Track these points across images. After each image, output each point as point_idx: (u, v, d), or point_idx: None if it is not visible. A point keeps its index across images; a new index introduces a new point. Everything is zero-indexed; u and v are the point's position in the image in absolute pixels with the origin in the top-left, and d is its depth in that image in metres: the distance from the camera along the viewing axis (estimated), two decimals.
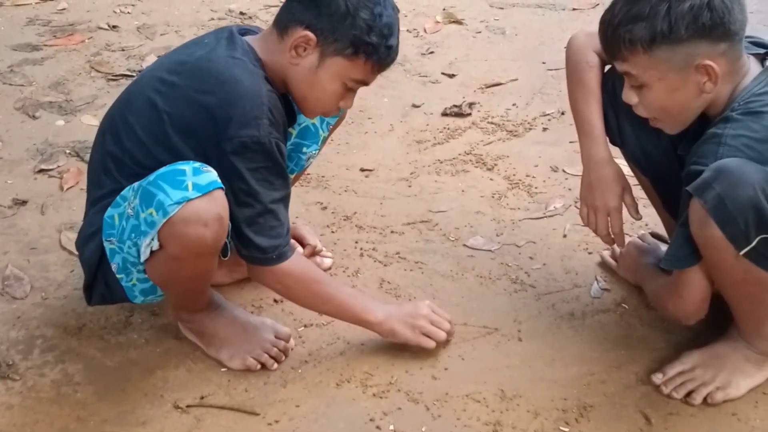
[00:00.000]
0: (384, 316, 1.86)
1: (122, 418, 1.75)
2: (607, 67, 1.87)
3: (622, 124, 1.89)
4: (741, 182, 1.53)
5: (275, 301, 2.05)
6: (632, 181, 1.96)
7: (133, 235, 1.68)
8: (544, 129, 2.84)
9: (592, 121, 1.87)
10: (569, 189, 2.48)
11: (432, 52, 3.41)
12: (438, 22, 3.68)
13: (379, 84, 3.09)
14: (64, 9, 3.77)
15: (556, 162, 2.63)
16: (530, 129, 2.84)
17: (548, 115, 2.92)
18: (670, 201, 1.89)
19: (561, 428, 1.72)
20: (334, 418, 1.75)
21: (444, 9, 3.78)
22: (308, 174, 2.51)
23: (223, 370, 1.86)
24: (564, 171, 2.58)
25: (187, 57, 1.77)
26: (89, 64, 3.26)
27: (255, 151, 1.68)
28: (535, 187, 2.51)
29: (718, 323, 1.84)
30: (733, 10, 1.59)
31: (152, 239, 1.65)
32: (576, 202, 2.31)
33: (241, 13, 3.73)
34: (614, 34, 1.65)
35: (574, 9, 3.79)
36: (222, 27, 1.84)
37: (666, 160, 1.87)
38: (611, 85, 1.85)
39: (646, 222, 2.23)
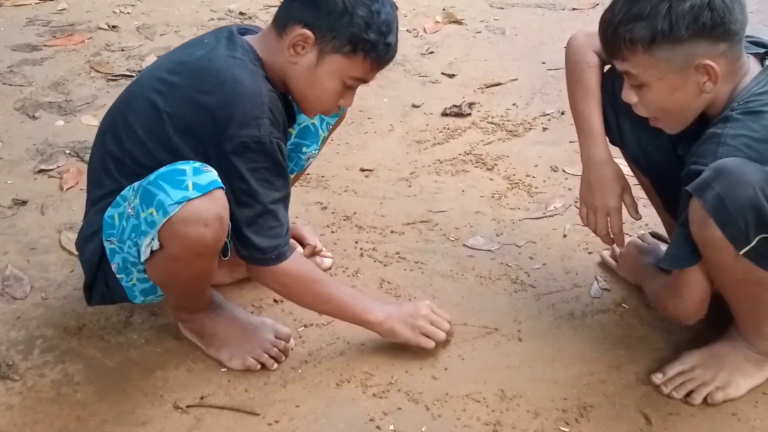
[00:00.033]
0: (384, 316, 1.86)
1: (122, 418, 1.75)
2: (607, 67, 1.87)
3: (621, 123, 1.89)
4: (741, 182, 1.53)
5: (275, 301, 2.05)
6: (632, 181, 1.96)
7: (133, 234, 1.68)
8: (544, 129, 2.84)
9: (591, 121, 1.87)
10: (569, 189, 2.48)
11: (432, 52, 3.41)
12: (438, 22, 3.68)
13: (379, 84, 3.10)
14: (63, 9, 3.77)
15: (556, 162, 2.63)
16: (530, 129, 2.84)
17: (548, 115, 2.92)
18: (670, 201, 1.89)
19: (561, 428, 1.72)
20: (334, 418, 1.75)
21: (444, 9, 3.78)
22: (308, 174, 2.51)
23: (223, 370, 1.86)
24: (564, 171, 2.58)
25: (187, 57, 1.77)
26: (89, 65, 3.26)
27: (255, 151, 1.68)
28: (535, 187, 2.51)
29: (718, 323, 1.84)
30: (734, 10, 1.59)
31: (152, 239, 1.65)
32: (576, 202, 2.31)
33: (241, 13, 3.73)
34: (614, 33, 1.65)
35: (573, 9, 3.79)
36: (221, 27, 1.84)
37: (666, 159, 1.87)
38: (611, 84, 1.85)
39: (646, 222, 2.23)
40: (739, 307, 1.75)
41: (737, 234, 1.55)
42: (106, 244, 1.76)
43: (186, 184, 1.62)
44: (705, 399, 1.76)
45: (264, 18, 3.58)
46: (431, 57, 3.37)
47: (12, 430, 1.72)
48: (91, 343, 1.94)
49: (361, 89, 1.83)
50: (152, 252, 1.67)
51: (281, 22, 1.74)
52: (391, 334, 1.87)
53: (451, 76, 3.21)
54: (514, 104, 3.00)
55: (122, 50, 3.39)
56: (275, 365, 1.86)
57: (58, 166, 2.60)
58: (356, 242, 2.28)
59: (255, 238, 1.74)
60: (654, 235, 2.16)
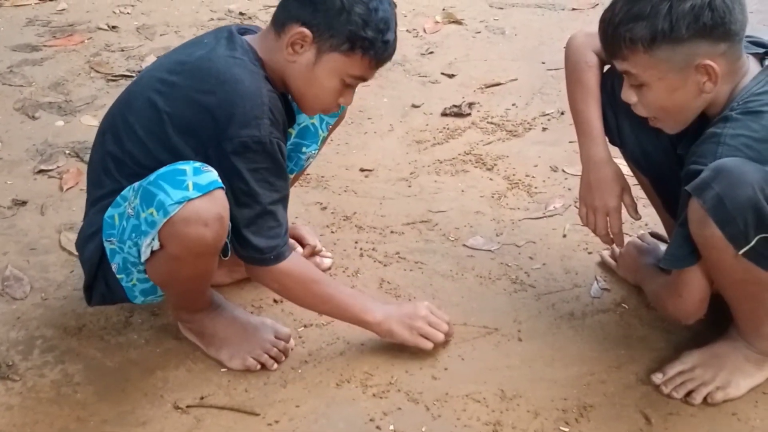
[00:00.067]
0: (382, 317, 1.86)
1: (122, 419, 1.75)
2: (607, 67, 1.87)
3: (621, 123, 1.89)
4: (740, 182, 1.53)
5: (275, 301, 2.05)
6: (632, 181, 1.96)
7: (133, 235, 1.68)
8: (544, 129, 2.84)
9: (591, 121, 1.87)
10: (569, 189, 2.48)
11: (432, 52, 3.41)
12: (438, 22, 3.68)
13: (378, 84, 3.11)
14: (63, 9, 3.77)
15: (555, 162, 2.63)
16: (530, 129, 2.84)
17: (548, 115, 2.92)
18: (670, 201, 1.89)
19: (561, 428, 1.72)
20: (334, 418, 1.75)
21: (444, 9, 3.79)
22: (308, 174, 2.51)
23: (223, 370, 1.86)
24: (564, 171, 2.58)
25: (187, 57, 1.77)
26: (89, 65, 3.26)
27: (256, 152, 1.68)
28: (535, 187, 2.51)
29: (718, 323, 1.84)
30: (734, 10, 1.59)
31: (153, 239, 1.65)
32: (575, 202, 2.31)
33: (241, 14, 3.74)
34: (615, 32, 1.65)
35: (573, 9, 3.79)
36: (221, 27, 1.84)
37: (665, 159, 1.87)
38: (610, 85, 1.85)
39: (645, 222, 2.23)
40: (739, 307, 1.75)
41: (737, 234, 1.55)
42: (106, 244, 1.76)
43: (186, 184, 1.62)
44: (705, 399, 1.76)
45: (264, 18, 3.58)
46: (431, 57, 3.37)
47: (12, 430, 1.72)
48: (91, 344, 1.94)
49: (360, 89, 1.83)
50: (152, 252, 1.67)
51: (280, 21, 1.74)
52: (389, 335, 1.87)
53: (451, 76, 3.21)
54: (513, 104, 3.00)
55: (122, 50, 3.39)
56: (275, 365, 1.86)
57: (58, 167, 2.60)
58: (356, 242, 2.28)
59: (254, 239, 1.74)
60: (654, 235, 2.17)
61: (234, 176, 1.68)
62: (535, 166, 2.62)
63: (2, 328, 1.97)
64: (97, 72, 3.21)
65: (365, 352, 1.91)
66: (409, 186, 2.54)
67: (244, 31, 1.82)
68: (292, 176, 2.08)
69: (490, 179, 2.56)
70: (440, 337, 1.88)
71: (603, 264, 2.18)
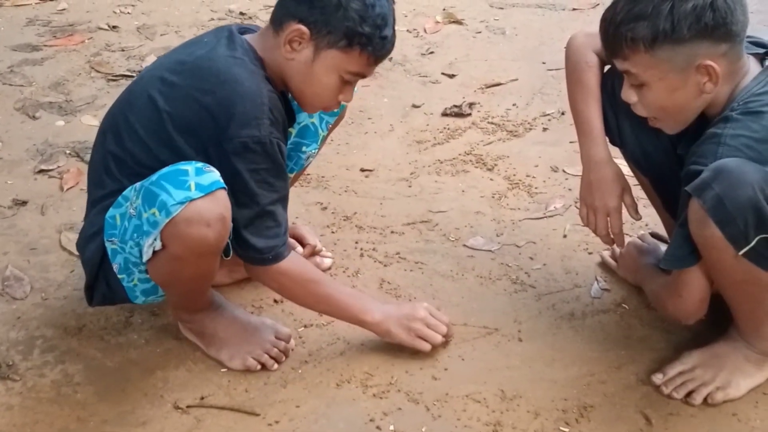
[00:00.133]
0: (381, 317, 1.86)
1: (122, 419, 1.75)
2: (607, 68, 1.87)
3: (621, 124, 1.89)
4: (740, 182, 1.53)
5: (275, 301, 2.05)
6: (632, 181, 1.96)
7: (135, 235, 1.68)
8: (544, 129, 2.84)
9: (591, 121, 1.87)
10: (569, 189, 2.48)
11: (432, 52, 3.41)
12: (438, 22, 3.68)
13: (379, 84, 3.11)
14: (63, 9, 3.77)
15: (556, 162, 2.63)
16: (530, 129, 2.84)
17: (548, 115, 2.92)
18: (670, 201, 1.89)
19: (561, 428, 1.72)
20: (334, 419, 1.75)
21: (444, 9, 3.79)
22: (308, 174, 2.51)
23: (223, 370, 1.86)
24: (564, 171, 2.58)
25: (187, 56, 1.77)
26: (89, 65, 3.27)
27: (256, 152, 1.68)
28: (535, 187, 2.51)
29: (718, 323, 1.84)
30: (736, 11, 1.59)
31: (155, 239, 1.65)
32: (576, 203, 2.31)
33: (241, 14, 3.74)
34: (616, 32, 1.65)
35: (574, 9, 3.79)
36: (221, 26, 1.84)
37: (665, 159, 1.87)
38: (611, 85, 1.85)
39: (646, 222, 2.23)
40: (739, 308, 1.75)
41: (737, 234, 1.55)
42: (107, 244, 1.76)
43: (188, 184, 1.62)
44: (705, 399, 1.76)
45: (264, 18, 3.57)
46: (431, 57, 3.37)
47: (12, 430, 1.72)
48: (91, 344, 1.94)
49: (361, 90, 1.83)
50: (154, 252, 1.67)
51: (277, 19, 1.74)
52: (387, 335, 1.88)
53: (452, 76, 3.21)
54: (514, 104, 3.00)
55: (122, 50, 3.39)
56: (275, 365, 1.86)
57: (58, 167, 2.60)
58: (356, 242, 2.28)
59: (253, 239, 1.74)
60: (654, 235, 2.17)
61: (233, 176, 1.68)
62: (536, 167, 2.62)
63: (2, 328, 1.97)
64: (98, 72, 3.21)
65: (365, 352, 1.91)
66: (410, 186, 2.54)
67: (244, 30, 1.82)
68: (292, 176, 2.08)
69: (491, 179, 2.56)
70: (438, 339, 1.88)
71: (603, 264, 2.18)
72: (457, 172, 2.60)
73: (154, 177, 1.66)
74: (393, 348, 1.89)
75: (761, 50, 1.73)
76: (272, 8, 1.77)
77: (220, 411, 1.76)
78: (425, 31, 3.60)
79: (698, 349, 1.83)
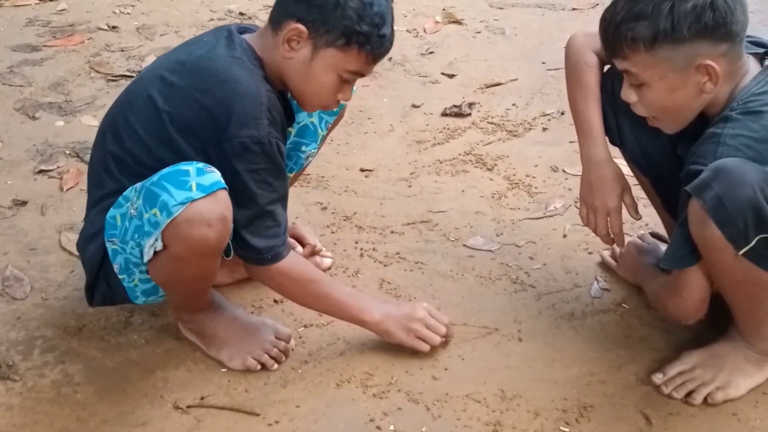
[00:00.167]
0: (380, 317, 1.87)
1: (122, 419, 1.75)
2: (606, 67, 1.87)
3: (621, 124, 1.89)
4: (740, 182, 1.53)
5: (275, 301, 2.05)
6: (632, 181, 1.96)
7: (136, 235, 1.68)
8: (544, 129, 2.84)
9: (591, 121, 1.87)
10: (569, 189, 2.48)
11: (432, 53, 3.41)
12: (438, 22, 3.68)
13: (378, 84, 3.11)
14: (63, 10, 3.77)
15: (556, 162, 2.63)
16: (530, 129, 2.84)
17: (548, 115, 2.92)
18: (670, 201, 1.89)
19: (561, 428, 1.72)
20: (334, 419, 1.75)
21: (444, 9, 3.79)
22: (308, 174, 2.51)
23: (223, 370, 1.86)
24: (564, 171, 2.58)
25: (186, 56, 1.77)
26: (89, 65, 3.27)
27: (255, 152, 1.68)
28: (535, 187, 2.51)
29: (718, 323, 1.84)
30: (736, 10, 1.59)
31: (156, 240, 1.65)
32: (576, 202, 2.31)
33: (241, 14, 3.74)
34: (616, 32, 1.65)
35: (573, 9, 3.79)
36: (221, 26, 1.84)
37: (665, 159, 1.87)
38: (610, 85, 1.85)
39: (646, 222, 2.23)
40: (739, 308, 1.75)
41: (736, 234, 1.55)
42: (108, 244, 1.76)
43: (189, 184, 1.62)
44: (705, 399, 1.76)
45: (263, 18, 3.57)
46: (431, 57, 3.37)
47: (12, 430, 1.72)
48: (91, 344, 1.94)
49: (360, 90, 1.83)
50: (155, 253, 1.67)
51: (276, 18, 1.74)
52: (386, 335, 1.88)
53: (451, 76, 3.21)
54: (514, 104, 3.00)
55: (122, 50, 3.39)
56: (275, 365, 1.86)
57: (58, 167, 2.60)
58: (356, 242, 2.28)
59: (252, 239, 1.74)
60: (654, 235, 2.17)
61: (233, 176, 1.68)
62: (536, 166, 2.62)
63: (2, 328, 1.97)
64: (97, 72, 3.21)
65: (365, 352, 1.91)
66: (410, 186, 2.54)
67: (244, 30, 1.83)
68: (291, 175, 2.08)
69: (491, 179, 2.56)
70: (437, 340, 1.88)
71: (603, 264, 2.18)
72: (457, 172, 2.60)
73: (155, 177, 1.66)
74: (393, 348, 1.89)
75: (761, 50, 1.73)
76: (271, 8, 1.78)
77: (220, 411, 1.76)
78: (425, 31, 3.60)
79: (698, 349, 1.83)
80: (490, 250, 2.25)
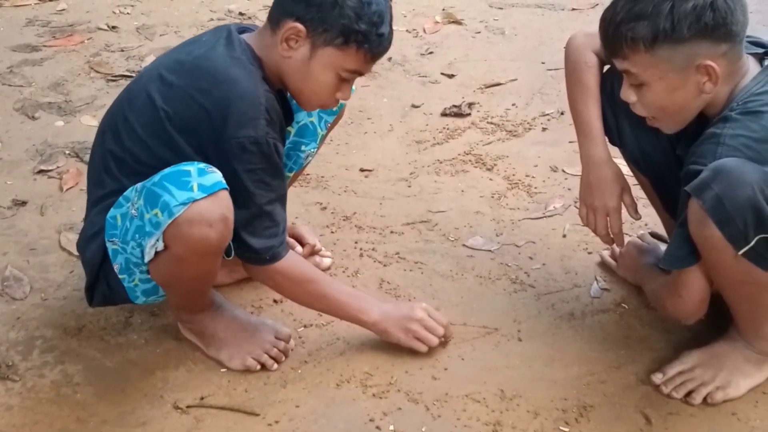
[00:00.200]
0: (378, 317, 1.87)
1: (122, 419, 1.75)
2: (606, 68, 1.87)
3: (620, 124, 1.89)
4: (739, 182, 1.53)
5: (275, 301, 2.05)
6: (632, 181, 1.96)
7: (137, 236, 1.68)
8: (544, 129, 2.84)
9: (590, 121, 1.87)
10: (569, 189, 2.48)
11: (431, 53, 3.41)
12: (437, 22, 3.68)
13: (378, 84, 3.11)
14: (63, 10, 3.77)
15: (555, 162, 2.63)
16: (530, 129, 2.84)
17: (548, 115, 2.92)
18: (669, 201, 1.89)
19: (561, 428, 1.72)
20: (334, 419, 1.75)
21: (443, 9, 3.79)
22: (308, 174, 2.51)
23: (222, 370, 1.86)
24: (563, 171, 2.58)
25: (185, 56, 1.77)
26: (89, 65, 3.27)
27: (252, 152, 1.68)
28: (535, 187, 2.51)
29: (718, 323, 1.85)
30: (736, 11, 1.59)
31: (157, 240, 1.65)
32: (575, 202, 2.31)
33: (241, 14, 3.74)
34: (616, 31, 1.65)
35: (573, 9, 3.79)
36: (220, 25, 1.84)
37: (665, 159, 1.87)
38: (610, 85, 1.85)
39: (645, 222, 2.23)
40: (739, 308, 1.75)
41: (736, 234, 1.55)
42: (108, 244, 1.76)
43: (191, 185, 1.62)
44: (705, 399, 1.76)
45: (263, 18, 3.53)
46: (431, 57, 3.37)
47: (12, 430, 1.72)
48: (91, 344, 1.94)
49: (360, 90, 1.83)
50: (156, 253, 1.68)
51: (275, 17, 1.74)
52: (384, 335, 1.88)
53: (451, 76, 3.21)
54: (513, 104, 3.00)
55: (122, 51, 3.39)
56: (275, 366, 1.86)
57: (58, 167, 2.60)
58: (356, 242, 2.28)
59: (250, 239, 1.74)
60: (654, 235, 2.17)
61: (231, 176, 1.68)
62: (535, 166, 2.62)
63: (2, 329, 1.97)
64: (97, 72, 3.21)
65: (365, 353, 1.91)
66: (409, 186, 2.54)
67: (243, 29, 1.83)
68: (291, 175, 2.08)
69: (490, 179, 2.56)
70: (434, 341, 1.88)
71: (603, 264, 2.18)
72: (457, 172, 2.60)
73: (156, 177, 1.66)
74: (393, 348, 1.89)
75: (761, 50, 1.73)
76: None
77: (220, 411, 1.76)
78: (425, 31, 3.60)
79: (698, 349, 1.83)
80: (489, 250, 2.25)
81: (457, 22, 3.68)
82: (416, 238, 2.31)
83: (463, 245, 2.27)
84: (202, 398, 1.79)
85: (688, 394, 1.77)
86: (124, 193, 1.72)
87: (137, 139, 1.74)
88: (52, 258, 2.21)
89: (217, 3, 3.85)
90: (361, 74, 1.78)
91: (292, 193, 2.12)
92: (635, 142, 1.90)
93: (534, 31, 3.59)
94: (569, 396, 1.80)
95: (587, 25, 2.13)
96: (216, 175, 1.65)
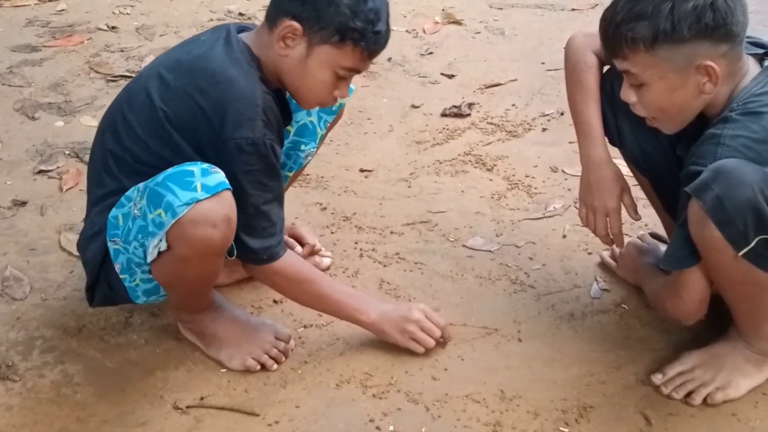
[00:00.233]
0: (376, 317, 1.87)
1: (122, 419, 1.75)
2: (606, 68, 1.87)
3: (620, 124, 1.89)
4: (739, 183, 1.53)
5: (275, 301, 2.05)
6: (631, 181, 1.96)
7: (140, 236, 1.68)
8: (544, 129, 2.84)
9: (590, 121, 1.87)
10: (569, 189, 2.48)
11: (431, 53, 3.41)
12: (437, 22, 3.68)
13: (378, 84, 3.11)
14: (63, 10, 3.77)
15: (555, 162, 2.63)
16: (529, 129, 2.84)
17: (547, 115, 2.92)
18: (669, 201, 1.89)
19: (561, 429, 1.72)
20: (333, 419, 1.75)
21: (443, 9, 3.79)
22: (307, 174, 2.51)
23: (222, 370, 1.86)
24: (563, 171, 2.58)
25: (184, 55, 1.77)
26: (88, 65, 3.27)
27: (250, 153, 1.68)
28: (535, 188, 2.51)
29: (718, 323, 1.85)
30: (736, 11, 1.59)
31: (160, 240, 1.65)
32: (575, 203, 2.31)
33: (240, 14, 3.74)
34: (616, 32, 1.65)
35: (573, 9, 3.79)
36: (219, 25, 1.84)
37: (665, 160, 1.87)
38: (610, 85, 1.85)
39: (645, 222, 2.23)
40: (739, 308, 1.75)
41: (736, 235, 1.55)
42: (109, 244, 1.76)
43: (194, 185, 1.62)
44: (705, 399, 1.76)
45: (263, 18, 3.57)
46: (431, 57, 3.37)
47: (12, 430, 1.72)
48: (91, 344, 1.94)
49: (360, 90, 1.83)
50: (159, 253, 1.68)
51: (271, 16, 1.74)
52: (382, 335, 1.89)
53: (451, 76, 3.22)
54: (513, 105, 3.00)
55: (122, 51, 3.39)
56: (275, 366, 1.86)
57: (58, 167, 2.60)
58: (356, 243, 2.28)
59: (248, 240, 1.75)
60: (653, 235, 2.17)
61: (228, 177, 1.68)
62: (535, 167, 2.62)
63: (2, 329, 1.97)
64: (97, 72, 3.21)
65: (365, 353, 1.91)
66: (409, 186, 2.54)
67: (243, 29, 1.83)
68: (291, 174, 2.08)
69: (490, 180, 2.56)
70: (431, 343, 1.88)
71: (603, 264, 2.18)
72: (457, 173, 2.60)
73: (159, 177, 1.66)
74: (392, 348, 1.89)
75: (761, 50, 1.73)
76: None
77: (220, 411, 1.76)
78: (424, 31, 3.60)
79: (698, 350, 1.83)
80: (489, 251, 2.25)
81: (457, 23, 3.68)
82: (416, 239, 2.31)
83: (463, 246, 2.27)
84: (202, 398, 1.79)
85: (688, 394, 1.77)
86: (126, 193, 1.72)
87: (137, 138, 1.74)
88: (52, 258, 2.21)
89: (217, 3, 3.85)
90: (358, 72, 1.78)
91: (292, 193, 2.12)
92: (635, 143, 1.90)
93: (534, 32, 3.59)
94: (569, 396, 1.80)
95: (587, 26, 2.14)
96: (219, 176, 1.65)
